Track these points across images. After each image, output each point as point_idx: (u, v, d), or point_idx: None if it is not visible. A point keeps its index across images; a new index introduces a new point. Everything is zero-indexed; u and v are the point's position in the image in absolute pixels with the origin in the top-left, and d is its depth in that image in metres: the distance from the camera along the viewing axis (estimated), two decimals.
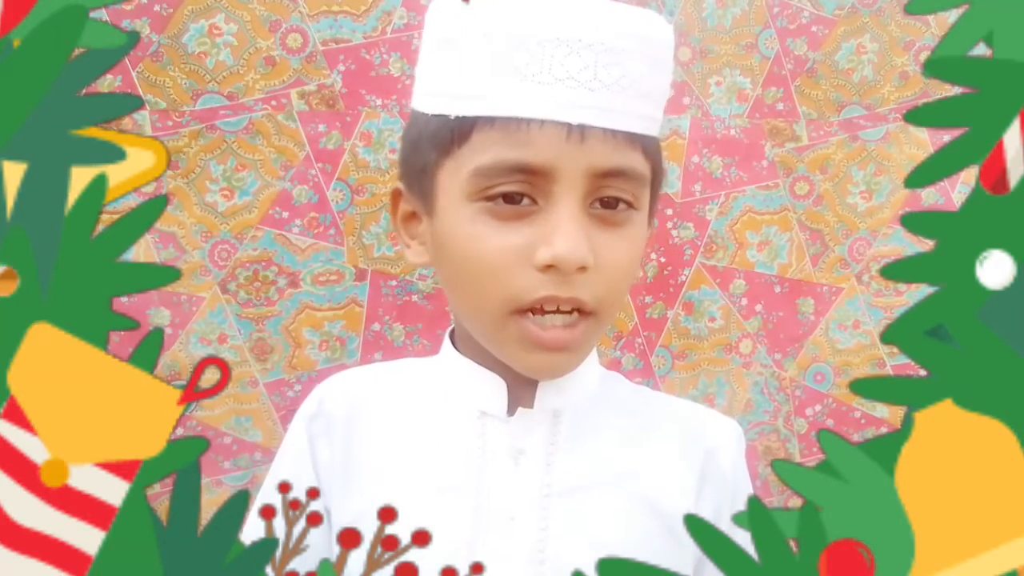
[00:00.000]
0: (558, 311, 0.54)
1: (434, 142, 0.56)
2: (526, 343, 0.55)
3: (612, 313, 0.58)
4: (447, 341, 0.64)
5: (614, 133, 0.53)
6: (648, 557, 0.59)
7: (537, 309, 0.54)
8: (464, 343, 0.62)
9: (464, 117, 0.54)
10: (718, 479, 0.62)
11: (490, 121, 0.53)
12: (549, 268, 0.52)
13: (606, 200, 0.55)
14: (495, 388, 0.60)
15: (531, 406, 0.60)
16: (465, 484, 0.59)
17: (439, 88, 0.56)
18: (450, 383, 0.63)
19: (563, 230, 0.52)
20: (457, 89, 0.54)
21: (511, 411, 0.60)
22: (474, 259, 0.55)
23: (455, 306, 0.61)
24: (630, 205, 0.56)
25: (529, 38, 0.52)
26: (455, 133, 0.54)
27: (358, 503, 0.59)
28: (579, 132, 0.52)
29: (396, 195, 0.62)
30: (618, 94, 0.53)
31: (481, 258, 0.54)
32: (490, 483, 0.59)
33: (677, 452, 0.62)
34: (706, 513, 0.60)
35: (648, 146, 0.56)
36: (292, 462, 0.63)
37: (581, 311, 0.55)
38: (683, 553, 0.59)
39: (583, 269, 0.53)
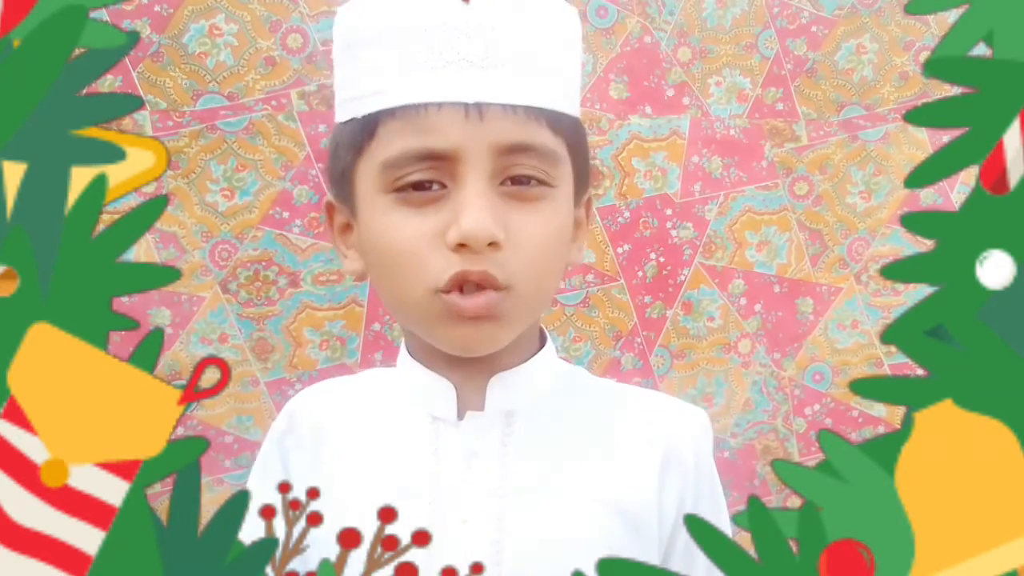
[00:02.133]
0: (477, 288, 0.54)
1: (349, 146, 0.57)
2: (451, 316, 0.55)
3: (534, 289, 0.57)
4: (403, 348, 0.64)
5: (514, 108, 0.53)
6: (608, 552, 0.59)
7: (456, 289, 0.54)
8: (415, 347, 0.62)
9: (369, 115, 0.55)
10: (679, 468, 0.61)
11: (391, 113, 0.54)
12: (461, 247, 0.53)
13: (518, 178, 0.55)
14: (444, 392, 0.60)
15: (482, 408, 0.60)
16: (420, 489, 0.58)
17: (348, 94, 0.57)
18: (404, 390, 0.63)
19: (469, 208, 0.52)
20: (360, 90, 0.56)
21: (462, 414, 0.60)
22: (392, 250, 0.55)
23: (387, 305, 0.61)
24: (542, 182, 0.56)
25: (418, 28, 0.53)
26: (363, 131, 0.55)
27: (326, 515, 0.59)
28: (476, 110, 0.52)
29: (330, 208, 0.62)
30: (514, 70, 0.53)
31: (398, 248, 0.55)
32: (444, 487, 0.58)
33: (635, 445, 0.62)
34: (669, 503, 0.60)
35: (557, 122, 0.56)
36: (264, 478, 0.64)
37: (496, 288, 0.54)
38: (645, 546, 0.59)
39: (494, 245, 0.53)
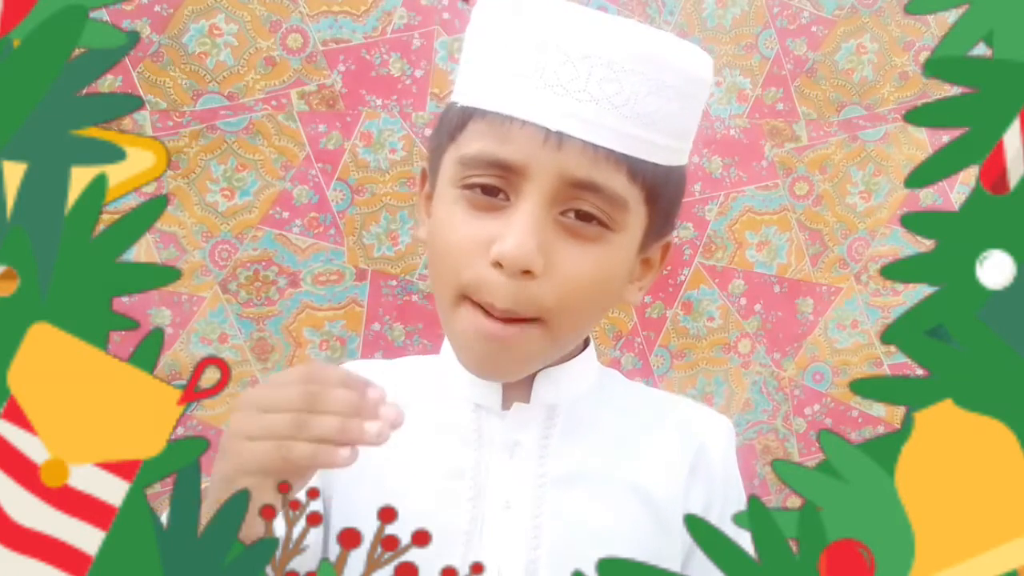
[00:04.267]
0: (509, 320, 0.55)
1: (446, 128, 0.59)
2: (470, 332, 0.56)
3: (568, 325, 0.57)
4: (447, 339, 0.65)
5: (595, 147, 0.53)
6: (638, 545, 0.60)
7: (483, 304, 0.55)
8: None
9: (466, 107, 0.56)
10: (708, 474, 0.63)
11: (482, 114, 0.55)
12: (499, 265, 0.53)
13: (580, 213, 0.55)
14: (490, 383, 0.61)
15: (527, 400, 0.61)
16: (463, 474, 0.60)
17: (462, 78, 0.59)
18: (447, 378, 0.64)
19: (515, 228, 0.53)
20: (467, 81, 0.58)
21: (507, 405, 0.61)
22: (443, 243, 0.57)
23: (432, 289, 0.62)
24: (603, 225, 0.55)
25: (529, 42, 0.53)
26: (458, 120, 0.57)
27: (361, 494, 0.60)
28: (556, 137, 0.52)
29: (423, 174, 0.64)
30: (608, 110, 0.53)
31: (448, 243, 0.56)
32: (487, 473, 0.60)
33: (669, 446, 0.63)
34: (695, 506, 0.62)
35: (639, 171, 0.55)
36: None
37: (536, 319, 0.55)
38: (671, 541, 0.61)
39: (529, 274, 0.53)
